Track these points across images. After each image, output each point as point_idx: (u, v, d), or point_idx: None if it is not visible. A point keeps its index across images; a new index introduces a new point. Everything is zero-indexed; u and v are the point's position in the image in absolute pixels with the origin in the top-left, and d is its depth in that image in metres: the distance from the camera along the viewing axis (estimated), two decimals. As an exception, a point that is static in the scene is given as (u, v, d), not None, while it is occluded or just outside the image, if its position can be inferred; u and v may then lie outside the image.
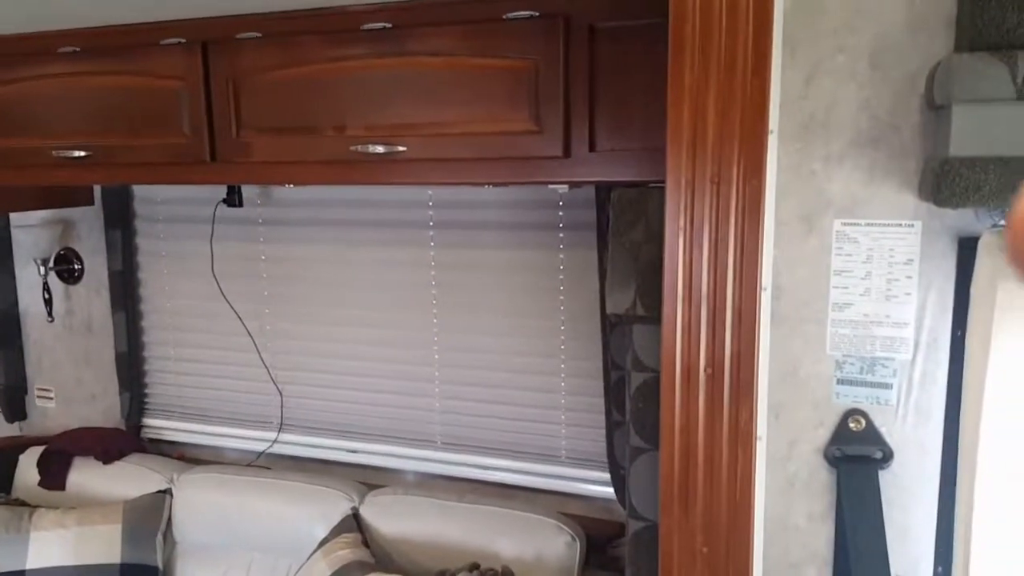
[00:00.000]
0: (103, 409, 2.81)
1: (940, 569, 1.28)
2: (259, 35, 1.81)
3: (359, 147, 1.72)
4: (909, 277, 1.24)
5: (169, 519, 2.40)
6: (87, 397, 2.84)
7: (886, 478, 1.29)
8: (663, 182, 1.23)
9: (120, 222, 2.62)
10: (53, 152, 2.02)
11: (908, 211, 1.23)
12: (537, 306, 2.24)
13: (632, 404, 1.62)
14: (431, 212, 2.31)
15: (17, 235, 2.85)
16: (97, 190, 2.64)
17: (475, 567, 1.95)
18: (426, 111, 1.68)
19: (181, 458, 2.69)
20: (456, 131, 1.66)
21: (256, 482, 2.39)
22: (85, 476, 2.56)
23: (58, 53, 2.00)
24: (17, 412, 2.93)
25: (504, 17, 1.61)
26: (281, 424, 2.60)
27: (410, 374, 2.42)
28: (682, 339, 1.25)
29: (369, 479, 2.44)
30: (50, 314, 2.78)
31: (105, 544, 2.30)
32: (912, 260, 1.23)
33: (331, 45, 1.75)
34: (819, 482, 1.32)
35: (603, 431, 2.11)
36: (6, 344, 2.87)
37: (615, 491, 2.10)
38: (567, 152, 1.61)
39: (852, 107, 1.23)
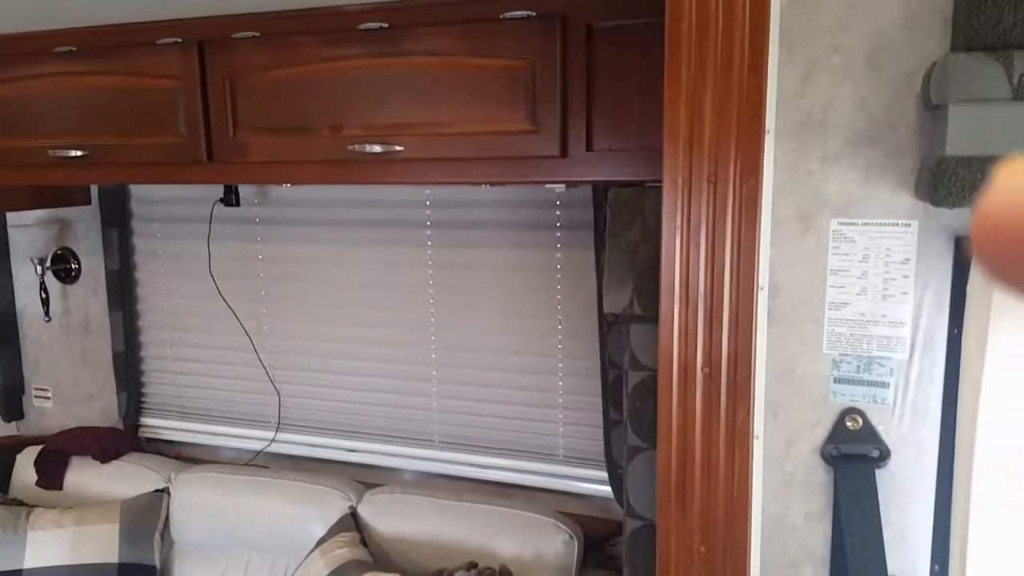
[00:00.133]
0: (100, 408, 2.80)
1: (937, 567, 1.28)
2: (256, 35, 1.81)
3: (356, 147, 1.72)
4: (906, 276, 1.24)
5: (167, 518, 2.40)
6: (84, 397, 2.83)
7: (883, 477, 1.29)
8: (660, 181, 1.23)
9: (117, 222, 2.62)
10: (49, 152, 2.01)
11: (905, 210, 1.23)
12: (534, 305, 2.24)
13: (629, 403, 1.62)
14: (428, 212, 2.31)
15: (14, 235, 2.84)
16: (94, 190, 2.64)
17: (473, 566, 1.95)
18: (423, 111, 1.68)
19: (178, 457, 2.69)
20: (453, 131, 1.66)
21: (254, 481, 2.39)
22: (82, 476, 2.56)
23: (54, 53, 2.00)
24: (14, 412, 2.93)
25: (501, 17, 1.61)
26: (279, 423, 2.60)
27: (408, 373, 2.42)
28: (679, 338, 1.25)
29: (367, 478, 2.44)
30: (47, 314, 2.77)
31: (103, 544, 2.30)
32: (909, 259, 1.24)
33: (328, 45, 1.75)
34: (816, 481, 1.33)
35: (600, 430, 2.11)
36: (3, 344, 2.87)
37: (613, 490, 2.10)
38: (564, 152, 1.61)
39: (849, 106, 1.23)
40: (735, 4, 1.16)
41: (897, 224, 1.23)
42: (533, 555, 2.03)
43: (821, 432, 1.31)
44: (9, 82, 2.06)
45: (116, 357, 2.70)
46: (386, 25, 1.70)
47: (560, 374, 2.25)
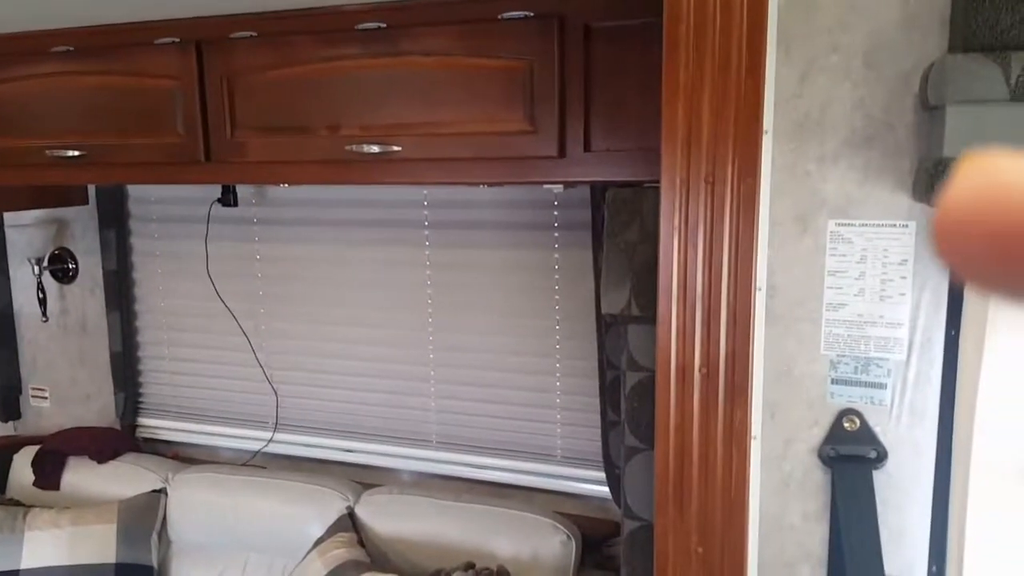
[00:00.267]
0: (98, 409, 2.80)
1: (935, 568, 1.28)
2: (253, 35, 1.81)
3: (354, 147, 1.71)
4: (903, 277, 1.24)
5: (164, 519, 2.40)
6: (82, 397, 2.83)
7: (880, 478, 1.29)
8: (658, 182, 1.23)
9: (114, 222, 2.61)
10: (47, 152, 2.01)
11: (902, 211, 1.23)
12: (532, 306, 2.24)
13: (627, 404, 1.62)
14: (426, 212, 2.31)
15: (11, 235, 2.84)
16: (91, 190, 2.64)
17: (471, 566, 1.95)
18: (421, 111, 1.68)
19: (176, 458, 2.68)
20: (451, 131, 1.66)
21: (251, 481, 2.38)
22: (80, 476, 2.55)
23: (52, 53, 1.99)
24: (11, 412, 2.92)
25: (499, 17, 1.61)
26: (276, 423, 2.60)
27: (405, 373, 2.42)
28: (677, 339, 1.25)
29: (365, 478, 2.44)
30: (44, 314, 2.77)
31: (100, 544, 2.30)
32: (906, 260, 1.24)
33: (325, 45, 1.75)
34: (814, 482, 1.33)
35: (598, 430, 2.11)
36: (0, 344, 2.87)
37: (610, 490, 2.10)
38: (562, 152, 1.61)
39: (847, 106, 1.23)
40: (733, 4, 1.16)
41: (895, 225, 1.23)
42: (531, 555, 2.03)
43: (819, 433, 1.31)
44: (7, 82, 2.06)
45: (113, 357, 2.70)
46: (384, 25, 1.69)
47: (558, 374, 2.25)
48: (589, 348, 2.12)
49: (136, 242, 2.69)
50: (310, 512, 2.25)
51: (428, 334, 2.37)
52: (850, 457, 1.29)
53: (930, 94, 1.11)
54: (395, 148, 1.70)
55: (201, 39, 1.85)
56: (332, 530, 2.15)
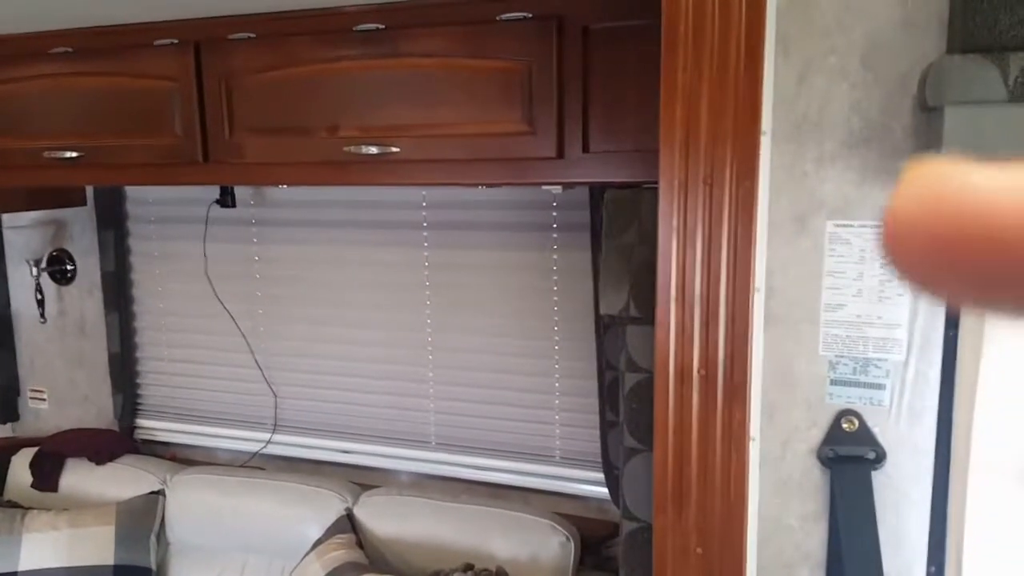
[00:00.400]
0: (96, 410, 2.80)
1: (933, 569, 1.29)
2: (252, 36, 1.81)
3: (352, 148, 1.71)
4: (902, 278, 1.24)
5: (162, 520, 2.40)
6: (80, 398, 2.83)
7: (879, 479, 1.29)
8: (656, 183, 1.23)
9: (113, 223, 2.61)
10: (45, 153, 2.01)
11: (901, 212, 1.23)
12: (531, 307, 2.24)
13: (626, 405, 1.62)
14: (425, 213, 2.31)
15: (9, 236, 2.84)
16: (89, 190, 2.63)
17: (469, 568, 1.95)
18: (419, 112, 1.68)
19: (174, 459, 2.68)
20: (449, 132, 1.66)
21: (250, 483, 2.38)
22: (78, 477, 2.55)
23: (50, 54, 1.99)
24: (10, 413, 2.92)
25: (497, 18, 1.61)
26: (275, 425, 2.60)
27: (404, 375, 2.42)
28: (675, 340, 1.25)
29: (363, 480, 2.43)
30: (42, 315, 2.76)
31: (98, 545, 2.29)
32: (905, 261, 1.23)
33: (324, 46, 1.75)
34: (812, 483, 1.33)
35: (597, 431, 2.11)
36: (-2, 345, 2.87)
37: (609, 491, 2.10)
38: (560, 153, 1.61)
39: (844, 107, 1.23)
40: (731, 6, 1.16)
41: (893, 226, 1.23)
42: (529, 556, 2.02)
43: (817, 434, 1.31)
44: (5, 83, 2.05)
45: (112, 358, 2.70)
46: (382, 26, 1.69)
47: (557, 375, 2.25)
48: (588, 349, 2.12)
49: (134, 243, 2.68)
50: (309, 513, 2.24)
51: (427, 335, 2.37)
52: (849, 458, 1.29)
53: (928, 95, 1.12)
54: (393, 149, 1.70)
55: (199, 40, 1.85)
56: (331, 531, 2.15)
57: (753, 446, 1.27)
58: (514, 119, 1.62)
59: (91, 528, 2.32)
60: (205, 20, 1.84)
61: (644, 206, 1.58)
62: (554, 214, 2.17)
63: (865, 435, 1.28)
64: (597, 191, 1.91)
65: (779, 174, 1.27)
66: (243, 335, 2.56)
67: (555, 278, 2.20)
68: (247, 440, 2.64)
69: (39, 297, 2.75)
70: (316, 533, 2.17)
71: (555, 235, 2.18)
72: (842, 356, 1.29)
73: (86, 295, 2.74)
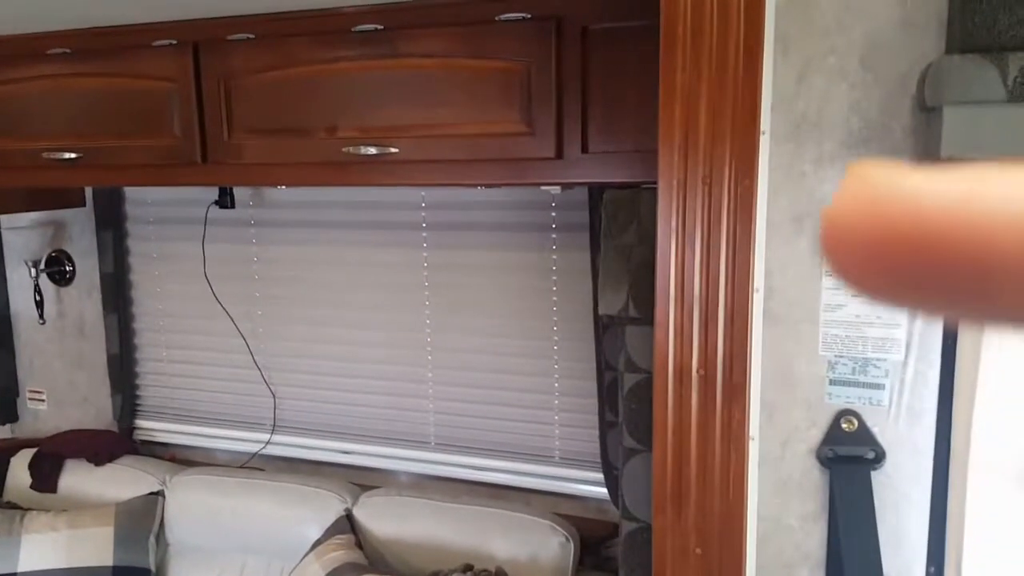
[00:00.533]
0: (95, 411, 2.80)
1: (933, 569, 1.29)
2: (250, 36, 1.81)
3: (351, 148, 1.71)
4: (901, 278, 1.24)
5: (161, 521, 2.40)
6: (79, 399, 2.83)
7: (879, 479, 1.29)
8: (655, 183, 1.23)
9: (111, 224, 2.61)
10: (43, 154, 2.01)
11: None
12: (530, 307, 2.24)
13: (625, 405, 1.62)
14: (424, 213, 2.31)
15: (8, 237, 2.84)
16: (88, 191, 2.63)
17: (469, 568, 1.95)
18: (418, 112, 1.68)
19: (173, 460, 2.68)
20: (448, 132, 1.66)
21: (249, 484, 2.38)
22: (77, 478, 2.55)
23: (49, 54, 1.99)
24: (9, 414, 2.92)
25: (496, 19, 1.61)
26: (274, 425, 2.60)
27: (403, 375, 2.42)
28: (675, 340, 1.25)
29: (362, 480, 2.43)
30: (41, 316, 2.76)
31: (97, 546, 2.29)
32: (904, 261, 1.23)
33: (323, 46, 1.74)
34: (812, 483, 1.33)
35: (596, 432, 2.11)
36: (-3, 346, 2.87)
37: (609, 492, 2.10)
38: (559, 153, 1.61)
39: (843, 107, 1.23)
40: (730, 6, 1.16)
41: (892, 226, 1.23)
42: (529, 557, 2.02)
43: (816, 434, 1.31)
44: (4, 84, 2.05)
45: (111, 359, 2.69)
46: (381, 27, 1.69)
47: (556, 376, 2.25)
48: (587, 349, 2.12)
49: (133, 244, 2.68)
50: (308, 514, 2.24)
51: (426, 335, 2.37)
52: (848, 458, 1.29)
53: (927, 95, 1.12)
54: (392, 150, 1.70)
55: (198, 41, 1.84)
56: (330, 532, 2.15)
57: (752, 446, 1.27)
58: (513, 119, 1.62)
59: (90, 529, 2.32)
60: (204, 21, 1.84)
61: (643, 206, 1.58)
62: (553, 214, 2.17)
63: (864, 435, 1.28)
64: (596, 191, 1.91)
65: (778, 174, 1.27)
66: (242, 336, 2.56)
67: (554, 278, 2.20)
68: (246, 441, 2.64)
69: (38, 298, 2.74)
70: (315, 534, 2.17)
71: (554, 235, 2.18)
72: (841, 356, 1.29)
73: (85, 296, 2.74)
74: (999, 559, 1.21)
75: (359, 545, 2.13)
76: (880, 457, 1.28)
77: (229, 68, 1.83)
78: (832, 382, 1.30)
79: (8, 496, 2.59)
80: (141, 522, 2.35)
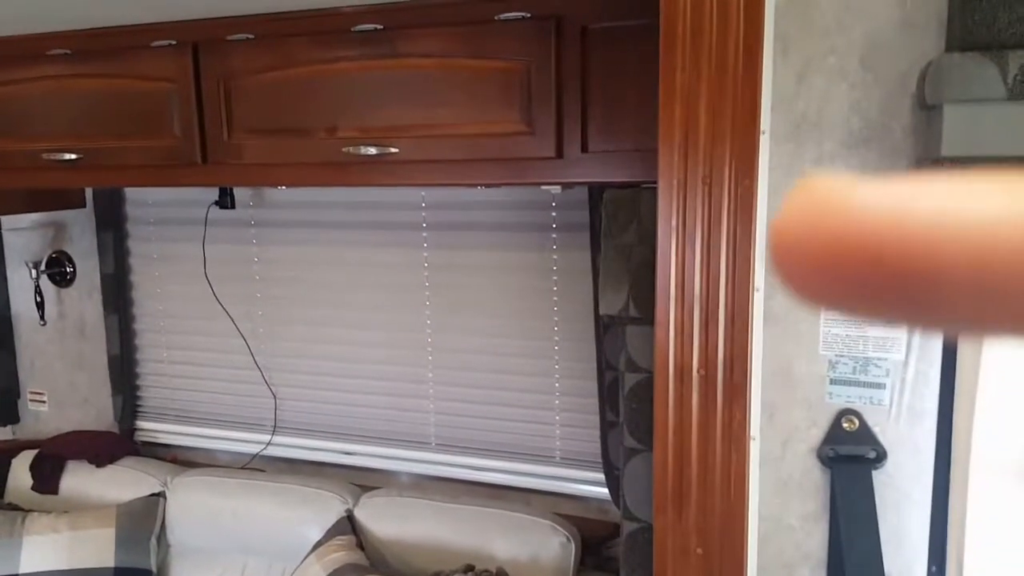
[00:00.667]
0: (96, 412, 2.80)
1: (934, 568, 1.28)
2: (250, 37, 1.81)
3: (351, 149, 1.71)
4: (901, 277, 1.24)
5: (163, 522, 2.40)
6: (80, 400, 2.83)
7: (880, 478, 1.29)
8: (655, 183, 1.23)
9: (112, 224, 2.61)
10: (43, 155, 2.01)
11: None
12: (531, 307, 2.24)
13: (626, 405, 1.62)
14: (424, 213, 2.31)
15: (8, 238, 2.84)
16: (89, 192, 2.63)
17: (470, 569, 1.94)
18: (418, 112, 1.68)
19: (174, 461, 2.68)
20: (448, 132, 1.66)
21: (250, 485, 2.38)
22: (78, 480, 2.55)
23: (48, 55, 1.99)
24: (10, 415, 2.92)
25: (496, 18, 1.61)
26: (275, 426, 2.60)
27: (404, 375, 2.42)
28: (675, 340, 1.25)
29: (363, 481, 2.43)
30: (42, 317, 2.76)
31: (98, 548, 2.29)
32: (904, 260, 1.23)
33: (322, 47, 1.74)
34: (813, 482, 1.32)
35: (597, 432, 2.11)
36: (-2, 347, 2.87)
37: (609, 492, 2.10)
38: (559, 153, 1.61)
39: (843, 107, 1.23)
40: (729, 5, 1.16)
41: (893, 225, 1.23)
42: (530, 557, 2.02)
43: (817, 433, 1.31)
44: (3, 85, 2.05)
45: (111, 360, 2.69)
46: (381, 27, 1.69)
47: (557, 376, 2.25)
48: (588, 349, 2.12)
49: (133, 245, 2.68)
50: (309, 515, 2.24)
51: (426, 336, 2.37)
52: (849, 457, 1.29)
53: (927, 94, 1.11)
54: (392, 150, 1.69)
55: (198, 41, 1.84)
56: (331, 533, 2.15)
57: (753, 446, 1.27)
58: (513, 119, 1.61)
59: (91, 530, 2.32)
60: (203, 21, 1.83)
61: (643, 206, 1.57)
62: (553, 214, 2.17)
63: (865, 434, 1.28)
64: (596, 191, 1.90)
65: (778, 174, 1.26)
66: (243, 336, 2.56)
67: (555, 278, 2.20)
68: (247, 442, 2.64)
69: (39, 299, 2.74)
70: (316, 535, 2.17)
71: (554, 235, 2.18)
72: (842, 355, 1.28)
73: (86, 297, 2.74)
74: (1001, 558, 1.21)
75: (360, 546, 2.13)
76: (881, 456, 1.28)
77: (229, 68, 1.83)
78: (833, 381, 1.29)
79: (9, 497, 2.59)
80: (142, 523, 2.35)
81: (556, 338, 2.23)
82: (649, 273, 1.34)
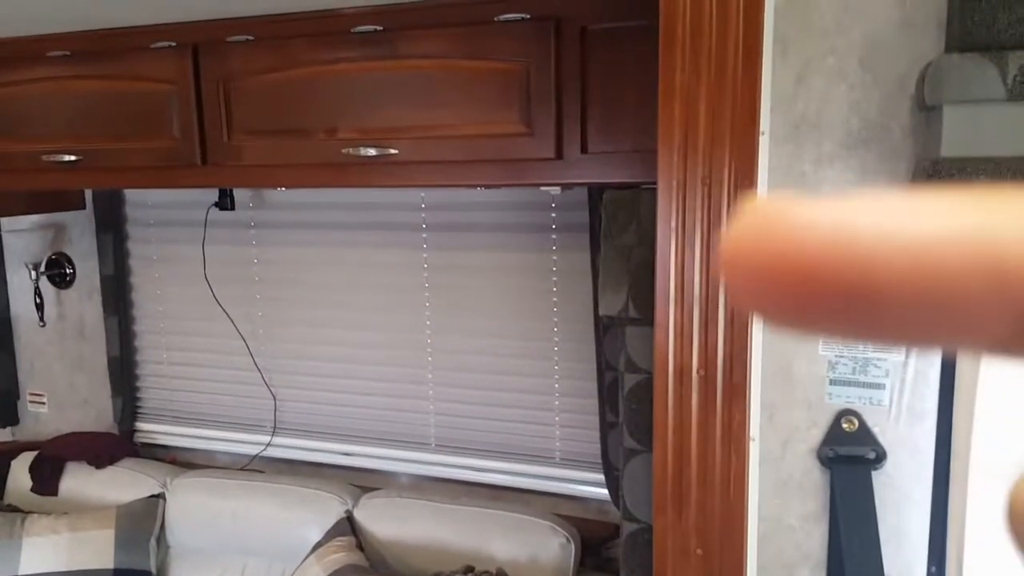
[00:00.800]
0: (96, 414, 2.80)
1: (934, 569, 1.28)
2: (250, 38, 1.81)
3: (351, 150, 1.71)
4: (901, 277, 1.24)
5: (162, 524, 2.40)
6: (79, 402, 2.82)
7: (879, 478, 1.29)
8: (655, 184, 1.23)
9: (111, 226, 2.61)
10: (43, 156, 2.01)
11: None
12: (530, 308, 2.24)
13: (626, 406, 1.62)
14: (423, 214, 2.31)
15: (8, 239, 2.84)
16: (88, 194, 2.63)
17: (470, 570, 1.94)
18: (417, 113, 1.68)
19: (174, 462, 2.68)
20: (448, 133, 1.66)
21: (249, 486, 2.38)
22: (78, 481, 2.55)
23: (48, 57, 1.99)
24: (9, 417, 2.92)
25: (495, 19, 1.61)
26: (274, 427, 2.60)
27: (403, 376, 2.42)
28: (675, 340, 1.25)
29: (363, 482, 2.43)
30: (42, 319, 2.76)
31: (98, 549, 2.29)
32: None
33: (322, 48, 1.74)
34: (812, 483, 1.32)
35: (597, 432, 2.11)
36: (-3, 349, 2.87)
37: (609, 492, 2.10)
38: (559, 154, 1.61)
39: (843, 108, 1.23)
40: (729, 6, 1.16)
41: (892, 225, 1.23)
42: (530, 558, 2.02)
43: (817, 434, 1.31)
44: (3, 86, 2.05)
45: (111, 362, 2.69)
46: (380, 28, 1.69)
47: (556, 377, 2.25)
48: (587, 350, 2.12)
49: (133, 246, 2.68)
50: (308, 516, 2.24)
51: (426, 337, 2.37)
52: (849, 458, 1.29)
53: (927, 95, 1.11)
54: (392, 151, 1.70)
55: (197, 43, 1.85)
56: (331, 534, 2.14)
57: (753, 446, 1.27)
58: (512, 120, 1.62)
59: (91, 532, 2.31)
60: (203, 23, 1.84)
61: (643, 207, 1.58)
62: (553, 215, 2.17)
63: (865, 435, 1.28)
64: (596, 192, 1.90)
65: (777, 175, 1.27)
66: (242, 338, 2.56)
67: (554, 279, 2.20)
68: (247, 443, 2.63)
69: (38, 301, 2.74)
70: (316, 536, 2.17)
71: (554, 236, 2.18)
72: (842, 356, 1.28)
73: (85, 298, 2.74)
74: (1001, 558, 1.21)
75: (360, 547, 2.13)
76: (881, 457, 1.28)
77: (228, 70, 1.83)
78: (832, 382, 1.29)
79: (9, 499, 2.59)
80: (142, 525, 2.35)
81: (556, 339, 2.23)
82: (649, 274, 1.34)
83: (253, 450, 2.62)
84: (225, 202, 2.47)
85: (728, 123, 1.18)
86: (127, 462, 2.58)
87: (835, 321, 0.16)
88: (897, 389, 1.27)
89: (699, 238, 1.21)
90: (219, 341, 2.61)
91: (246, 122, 1.83)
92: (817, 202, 0.16)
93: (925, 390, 1.26)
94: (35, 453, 2.61)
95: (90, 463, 2.55)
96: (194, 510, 2.38)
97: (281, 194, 2.46)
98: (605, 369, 1.96)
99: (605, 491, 2.13)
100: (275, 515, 2.29)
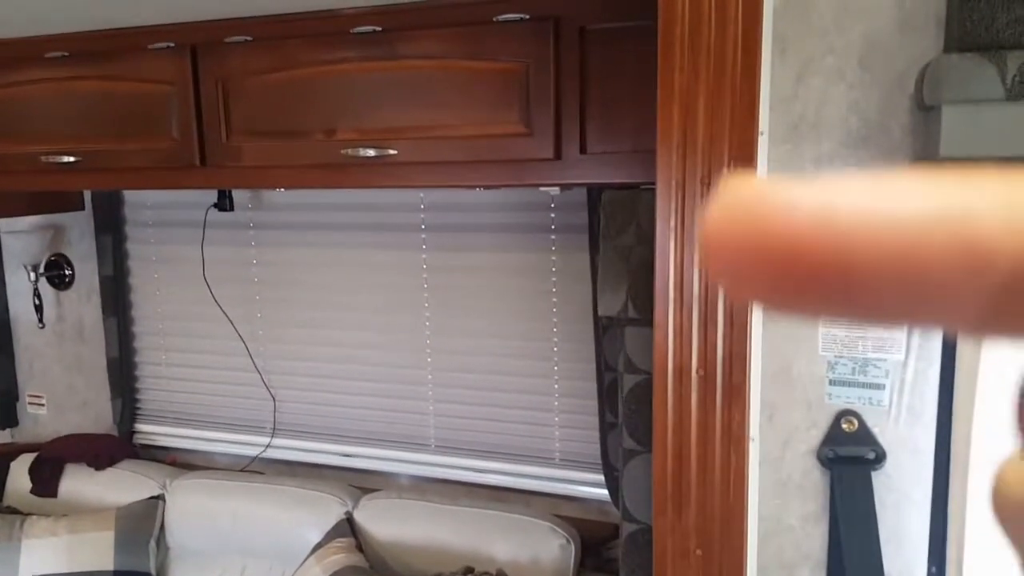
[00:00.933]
0: (95, 415, 2.79)
1: (934, 569, 1.28)
2: (249, 39, 1.81)
3: (350, 150, 1.71)
4: (900, 277, 1.24)
5: (162, 525, 2.39)
6: (79, 403, 2.82)
7: (879, 479, 1.28)
8: (654, 184, 1.23)
9: (110, 227, 2.61)
10: (42, 157, 2.01)
11: (899, 211, 1.22)
12: (530, 308, 2.24)
13: (625, 406, 1.62)
14: (423, 215, 2.31)
15: (7, 241, 2.84)
16: (87, 195, 2.63)
17: (470, 571, 1.94)
18: (416, 114, 1.68)
19: (173, 464, 2.68)
20: (447, 134, 1.66)
21: (249, 487, 2.38)
22: (77, 483, 2.54)
23: (46, 58, 1.99)
24: (8, 419, 2.91)
25: (494, 19, 1.61)
26: (274, 429, 2.60)
27: (403, 377, 2.42)
28: (674, 341, 1.25)
29: (363, 483, 2.43)
30: (41, 320, 2.76)
31: (97, 551, 2.29)
32: (903, 260, 1.23)
33: (321, 48, 1.74)
34: (812, 483, 1.32)
35: (597, 433, 2.11)
36: (-3, 350, 2.86)
37: (609, 493, 2.10)
38: (558, 154, 1.61)
39: (842, 107, 1.23)
40: (728, 6, 1.16)
41: (891, 225, 1.23)
42: (530, 559, 2.02)
43: (817, 434, 1.31)
44: (2, 87, 2.05)
45: (110, 363, 2.69)
46: (379, 29, 1.69)
47: (556, 377, 2.25)
48: (587, 351, 2.11)
49: (132, 247, 2.68)
50: (308, 517, 2.24)
51: (425, 337, 2.37)
52: (849, 458, 1.29)
53: (926, 94, 1.11)
54: (391, 152, 1.69)
55: (196, 43, 1.84)
56: (330, 535, 2.14)
57: (752, 447, 1.27)
58: (511, 120, 1.61)
59: (91, 533, 2.31)
60: (202, 23, 1.83)
61: (642, 207, 1.58)
62: (552, 216, 2.17)
63: (865, 435, 1.28)
64: (595, 192, 1.90)
65: (776, 174, 1.26)
66: (242, 339, 2.56)
67: (554, 280, 2.20)
68: (246, 444, 2.63)
69: (37, 302, 2.74)
70: (316, 537, 2.17)
71: (553, 236, 2.18)
72: (841, 356, 1.28)
73: (84, 300, 2.74)
74: (1001, 559, 1.21)
75: (360, 548, 2.13)
76: (881, 457, 1.28)
77: (227, 70, 1.83)
78: (832, 382, 1.29)
79: (8, 501, 2.59)
80: (141, 526, 2.35)
81: (555, 339, 2.23)
82: (648, 274, 1.34)
83: (253, 451, 2.62)
84: (224, 203, 2.47)
85: (727, 123, 1.18)
86: (126, 464, 2.58)
87: (813, 299, 0.16)
88: (897, 389, 1.26)
89: (699, 238, 1.21)
90: (218, 342, 2.61)
91: (245, 123, 1.83)
92: (797, 182, 0.16)
93: (925, 390, 1.25)
94: (34, 455, 2.61)
95: (89, 465, 2.55)
96: (194, 511, 2.38)
97: (280, 195, 2.46)
98: (604, 369, 1.96)
99: (605, 492, 2.13)
100: (275, 516, 2.29)
